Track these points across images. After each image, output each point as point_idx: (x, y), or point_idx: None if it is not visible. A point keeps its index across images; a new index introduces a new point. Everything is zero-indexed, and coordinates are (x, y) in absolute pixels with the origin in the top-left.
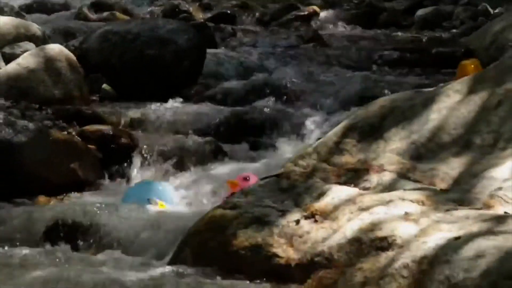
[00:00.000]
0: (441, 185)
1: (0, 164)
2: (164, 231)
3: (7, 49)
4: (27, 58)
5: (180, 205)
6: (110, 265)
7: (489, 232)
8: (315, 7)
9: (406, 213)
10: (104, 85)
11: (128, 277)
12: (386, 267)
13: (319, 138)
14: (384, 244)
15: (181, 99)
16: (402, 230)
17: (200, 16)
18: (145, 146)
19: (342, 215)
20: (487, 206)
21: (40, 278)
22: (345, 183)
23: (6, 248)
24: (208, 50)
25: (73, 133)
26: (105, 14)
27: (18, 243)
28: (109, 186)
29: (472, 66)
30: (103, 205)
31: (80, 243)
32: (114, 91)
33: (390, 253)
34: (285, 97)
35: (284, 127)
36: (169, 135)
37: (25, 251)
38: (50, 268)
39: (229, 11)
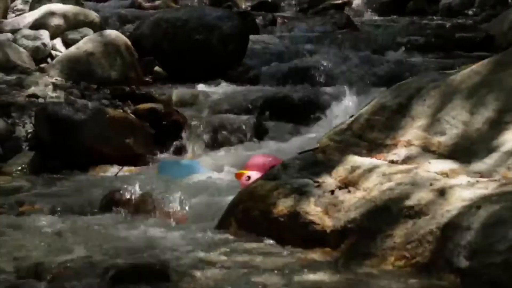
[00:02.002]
0: (463, 158)
1: (62, 139)
2: (210, 201)
3: (68, 35)
4: (86, 43)
5: (223, 175)
6: (162, 230)
7: (507, 201)
8: None
9: (431, 184)
10: (156, 68)
11: (180, 242)
12: (413, 233)
13: (352, 116)
14: (411, 212)
15: (226, 80)
16: (428, 200)
17: (243, 4)
18: (193, 123)
19: (373, 185)
20: (505, 178)
21: (97, 241)
22: (375, 156)
23: (67, 214)
24: (251, 36)
25: (128, 111)
26: (157, 2)
27: (78, 210)
28: (160, 159)
29: None
30: (155, 177)
31: (135, 211)
32: (165, 72)
33: (416, 221)
34: (321, 78)
35: (321, 105)
36: (215, 113)
37: (84, 217)
38: (107, 232)
39: (270, 0)
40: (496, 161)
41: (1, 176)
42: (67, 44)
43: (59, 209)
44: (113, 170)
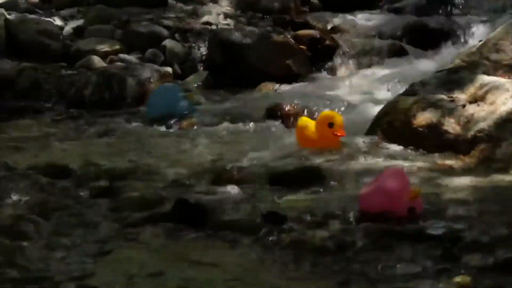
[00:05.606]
0: None
1: (232, 60)
2: (360, 113)
3: None
4: None
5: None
6: None
7: None
8: None
9: None
10: None
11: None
12: None
13: (480, 40)
14: None
15: (372, 11)
16: None
17: None
18: (344, 47)
19: (498, 100)
20: None
21: (260, 148)
22: (501, 75)
23: (235, 123)
24: None
25: (288, 36)
26: None
27: (244, 120)
28: (316, 78)
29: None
30: (312, 94)
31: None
32: (320, 3)
33: None
34: (455, 9)
35: (455, 32)
36: (363, 38)
37: (249, 126)
38: (268, 140)
39: None
40: None
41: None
42: None
43: (228, 119)
44: (275, 87)
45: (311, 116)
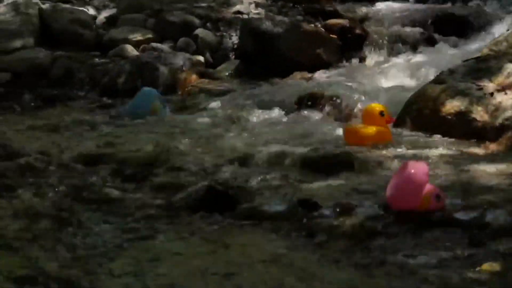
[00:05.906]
0: None
1: (263, 49)
2: (390, 102)
3: None
4: None
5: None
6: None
7: None
8: None
9: None
10: None
11: None
12: None
13: (508, 29)
14: None
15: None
16: None
17: None
18: (374, 36)
19: None
20: None
21: (290, 134)
22: None
23: (265, 110)
24: None
25: (319, 25)
26: None
27: (276, 108)
28: (346, 66)
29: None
30: (343, 82)
31: (326, 110)
32: None
33: None
34: None
35: (482, 20)
36: (391, 27)
37: (280, 113)
38: (298, 127)
39: None
40: None
41: (213, 80)
42: None
43: (261, 106)
44: (305, 76)
45: (345, 104)
